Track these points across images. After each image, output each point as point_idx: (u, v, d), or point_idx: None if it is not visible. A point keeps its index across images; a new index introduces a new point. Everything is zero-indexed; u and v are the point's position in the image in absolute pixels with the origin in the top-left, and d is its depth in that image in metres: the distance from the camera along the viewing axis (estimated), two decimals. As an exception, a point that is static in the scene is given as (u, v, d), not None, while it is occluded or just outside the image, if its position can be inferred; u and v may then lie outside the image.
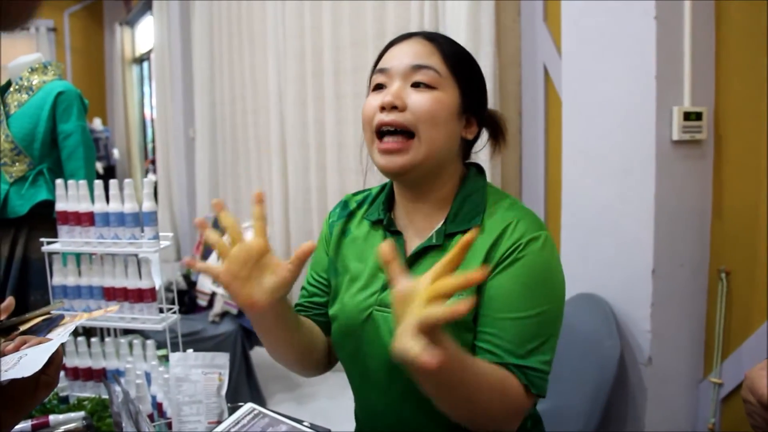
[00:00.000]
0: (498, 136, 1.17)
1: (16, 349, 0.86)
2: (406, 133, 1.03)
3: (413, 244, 1.09)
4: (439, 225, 1.08)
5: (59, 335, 0.90)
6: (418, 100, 1.03)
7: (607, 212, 1.87)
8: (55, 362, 0.83)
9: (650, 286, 1.76)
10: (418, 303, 0.76)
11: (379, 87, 1.08)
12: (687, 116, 1.75)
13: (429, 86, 1.04)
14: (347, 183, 3.37)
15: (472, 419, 0.94)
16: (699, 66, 1.77)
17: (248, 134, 4.53)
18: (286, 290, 0.98)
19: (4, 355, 0.85)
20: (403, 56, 1.07)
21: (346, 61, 3.31)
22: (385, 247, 0.81)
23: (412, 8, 2.75)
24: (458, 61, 1.08)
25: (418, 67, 1.05)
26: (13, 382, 0.80)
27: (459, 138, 1.09)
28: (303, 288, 1.24)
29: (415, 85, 1.04)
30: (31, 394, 0.85)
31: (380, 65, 1.10)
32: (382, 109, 1.04)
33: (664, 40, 1.72)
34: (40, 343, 0.88)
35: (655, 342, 1.78)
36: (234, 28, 4.63)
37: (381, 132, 1.05)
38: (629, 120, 1.79)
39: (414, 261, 1.07)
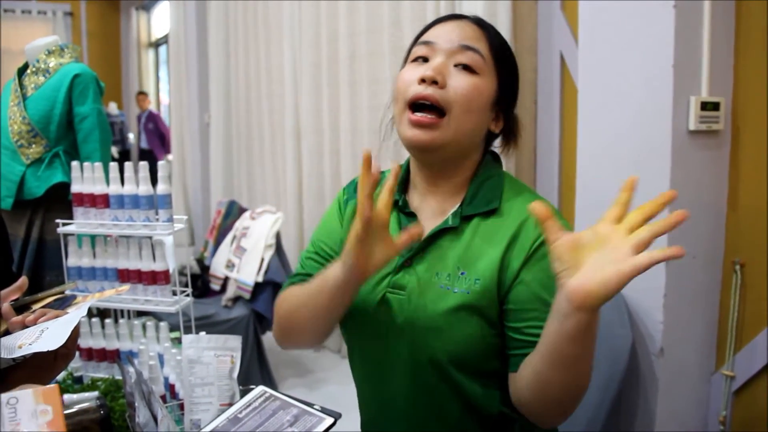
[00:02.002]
0: (510, 138, 1.16)
1: (36, 320, 0.88)
2: (438, 110, 1.02)
3: (428, 226, 1.08)
4: (455, 207, 1.08)
5: (75, 311, 0.92)
6: (459, 81, 1.02)
7: (622, 202, 1.86)
8: (72, 335, 0.85)
9: (663, 277, 1.75)
10: (616, 238, 0.85)
11: (418, 60, 1.07)
12: (704, 106, 1.72)
13: (472, 70, 1.03)
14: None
15: (572, 392, 0.93)
16: (717, 55, 1.75)
17: (263, 120, 4.54)
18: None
19: (27, 326, 0.87)
20: (451, 34, 1.06)
21: (362, 47, 3.30)
22: (539, 206, 0.84)
23: (429, -6, 2.73)
24: (502, 53, 1.08)
25: (465, 48, 1.04)
26: (34, 354, 0.81)
27: (486, 129, 1.09)
28: (309, 258, 1.19)
29: (458, 66, 1.03)
30: (51, 365, 0.88)
31: (425, 38, 1.08)
32: (422, 81, 1.02)
33: (683, 29, 1.70)
34: (57, 316, 0.89)
35: (667, 333, 1.77)
36: (250, 14, 4.64)
37: (413, 105, 1.03)
38: (645, 109, 1.77)
39: (429, 243, 1.07)
